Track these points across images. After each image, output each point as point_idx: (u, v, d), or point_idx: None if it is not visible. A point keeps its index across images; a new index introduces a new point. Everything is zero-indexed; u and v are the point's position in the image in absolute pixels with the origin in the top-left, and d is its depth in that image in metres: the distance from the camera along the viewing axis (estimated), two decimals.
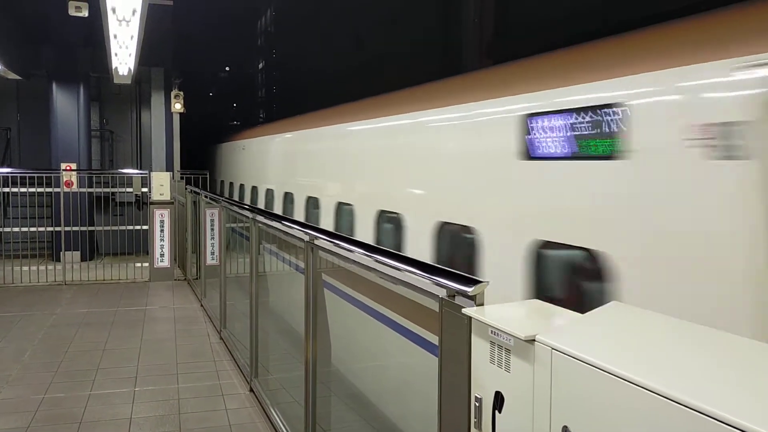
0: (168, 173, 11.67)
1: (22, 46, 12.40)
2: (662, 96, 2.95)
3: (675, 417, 1.36)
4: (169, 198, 11.01)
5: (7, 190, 11.56)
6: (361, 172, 6.86)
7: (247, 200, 11.80)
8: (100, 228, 12.19)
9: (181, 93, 13.92)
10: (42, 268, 10.59)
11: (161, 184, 11.01)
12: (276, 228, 5.05)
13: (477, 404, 2.04)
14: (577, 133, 3.36)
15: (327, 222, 7.34)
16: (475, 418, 2.05)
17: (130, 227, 11.79)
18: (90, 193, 12.76)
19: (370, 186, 6.59)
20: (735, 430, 1.23)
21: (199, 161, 18.28)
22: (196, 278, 9.86)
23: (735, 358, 1.63)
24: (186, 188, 10.98)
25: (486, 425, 2.01)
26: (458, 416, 2.15)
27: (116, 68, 11.28)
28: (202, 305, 8.80)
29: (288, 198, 9.20)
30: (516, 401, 1.89)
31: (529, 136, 3.75)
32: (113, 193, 13.37)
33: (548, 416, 1.74)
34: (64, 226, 10.80)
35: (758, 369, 1.55)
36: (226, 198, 9.27)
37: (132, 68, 11.27)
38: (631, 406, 1.48)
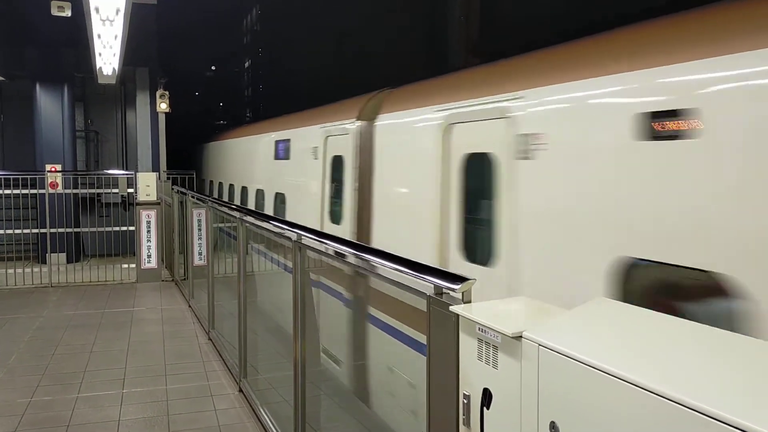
0: (154, 173, 11.59)
1: (5, 46, 12.27)
2: None
3: (660, 411, 1.37)
4: (155, 198, 10.94)
5: None
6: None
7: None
8: (86, 229, 12.10)
9: (167, 93, 13.83)
10: (27, 270, 10.48)
11: (147, 185, 10.94)
12: (264, 228, 5.04)
13: (465, 401, 2.05)
14: None
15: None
16: (464, 415, 2.06)
17: (117, 228, 11.70)
18: (75, 195, 12.64)
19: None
20: (720, 423, 1.25)
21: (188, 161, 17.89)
22: (184, 279, 9.81)
23: (720, 352, 1.65)
24: (172, 188, 10.92)
25: (474, 422, 2.02)
26: (447, 413, 2.16)
27: (100, 68, 11.19)
28: (190, 306, 8.76)
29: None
30: (504, 398, 1.90)
31: None
32: (99, 194, 13.26)
33: (536, 412, 1.76)
34: (50, 227, 10.70)
35: (744, 362, 1.57)
36: (214, 198, 9.22)
37: (116, 68, 11.18)
38: (617, 401, 1.49)
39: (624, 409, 1.48)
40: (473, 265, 4.24)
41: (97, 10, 7.41)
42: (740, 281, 2.40)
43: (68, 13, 9.56)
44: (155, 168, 13.94)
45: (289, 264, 4.10)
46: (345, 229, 6.20)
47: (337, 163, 6.69)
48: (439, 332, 2.23)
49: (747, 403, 1.30)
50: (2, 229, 11.29)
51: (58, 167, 12.15)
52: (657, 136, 2.80)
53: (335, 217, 6.70)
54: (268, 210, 9.16)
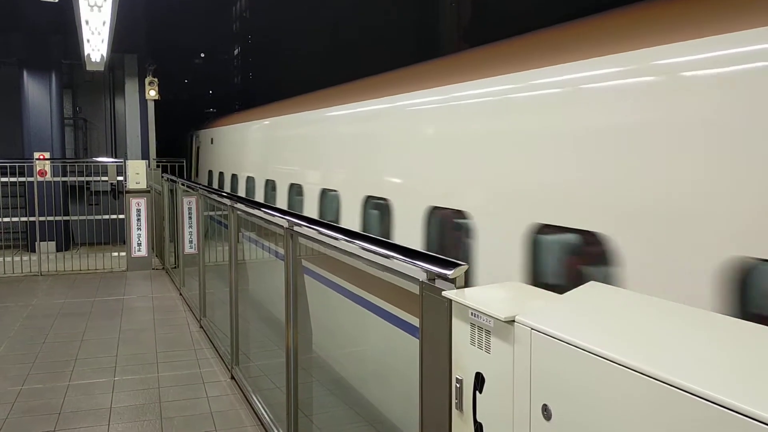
0: (143, 161, 11.52)
1: None
2: None
3: (653, 393, 1.38)
4: (145, 186, 10.88)
5: None
6: None
7: None
8: (75, 217, 12.02)
9: (156, 80, 13.73)
10: (17, 258, 10.42)
11: (137, 173, 10.88)
12: (255, 215, 5.02)
13: (458, 385, 2.06)
14: None
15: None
16: (456, 399, 2.07)
17: (106, 216, 11.64)
18: (64, 183, 12.55)
19: None
20: (713, 404, 1.26)
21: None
22: (175, 267, 9.79)
23: (712, 335, 1.66)
24: (162, 176, 10.87)
25: (467, 406, 2.03)
26: (439, 398, 2.17)
27: (89, 55, 11.08)
28: (181, 294, 8.74)
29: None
30: (496, 382, 1.91)
31: None
32: (88, 182, 13.17)
33: (528, 395, 1.77)
34: (39, 216, 10.63)
35: (735, 344, 1.58)
36: (204, 186, 9.18)
37: (105, 55, 11.08)
38: (610, 384, 1.50)
39: (616, 392, 1.49)
40: None
41: None
42: None
43: None
44: (144, 156, 13.86)
45: (281, 251, 4.09)
46: None
47: None
48: (431, 317, 2.24)
49: (739, 384, 1.31)
50: None
51: (47, 155, 12.05)
52: None
53: None
54: None
